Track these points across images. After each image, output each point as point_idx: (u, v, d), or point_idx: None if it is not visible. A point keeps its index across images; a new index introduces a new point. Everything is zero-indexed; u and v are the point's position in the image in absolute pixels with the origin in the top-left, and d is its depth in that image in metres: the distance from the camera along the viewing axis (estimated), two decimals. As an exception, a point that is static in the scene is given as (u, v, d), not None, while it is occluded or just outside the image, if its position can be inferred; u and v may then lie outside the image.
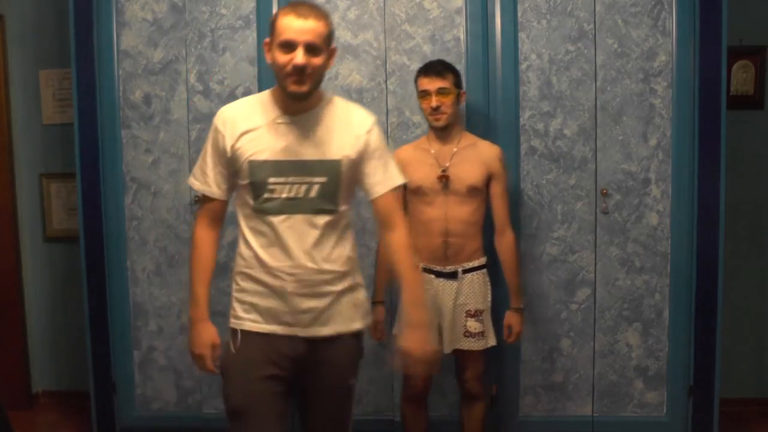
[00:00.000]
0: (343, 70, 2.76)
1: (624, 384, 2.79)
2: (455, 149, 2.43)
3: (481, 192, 2.42)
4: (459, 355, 2.49)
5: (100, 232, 2.86)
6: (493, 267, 2.53)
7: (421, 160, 2.44)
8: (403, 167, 2.37)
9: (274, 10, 2.75)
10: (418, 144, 2.51)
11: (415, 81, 2.44)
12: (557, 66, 2.70)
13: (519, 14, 2.69)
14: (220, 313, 2.88)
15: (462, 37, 2.71)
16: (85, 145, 2.83)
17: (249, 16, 2.78)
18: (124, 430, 2.96)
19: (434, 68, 2.39)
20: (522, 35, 2.70)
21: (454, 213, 2.40)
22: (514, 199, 2.71)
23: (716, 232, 2.64)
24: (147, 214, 2.88)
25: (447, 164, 2.41)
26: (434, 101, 2.35)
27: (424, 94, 2.38)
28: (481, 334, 2.44)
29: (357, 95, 2.75)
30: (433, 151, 2.44)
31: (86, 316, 2.88)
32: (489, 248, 2.49)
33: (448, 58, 2.71)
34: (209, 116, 2.81)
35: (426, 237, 2.41)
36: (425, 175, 2.41)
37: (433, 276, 2.43)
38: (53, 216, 3.45)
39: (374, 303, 2.52)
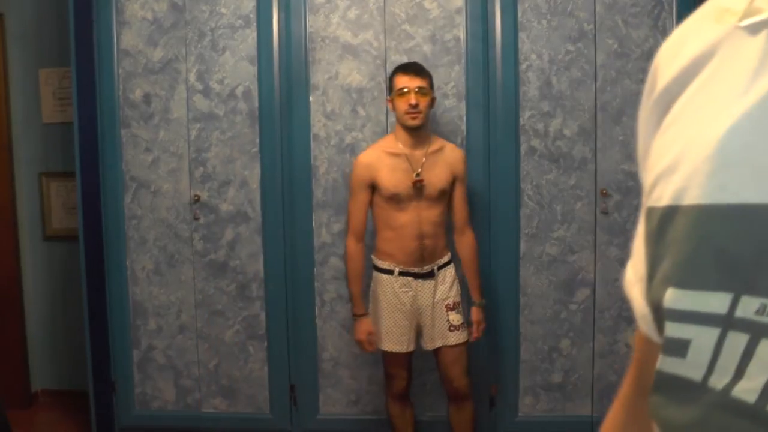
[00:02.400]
0: (342, 69, 2.76)
1: (623, 384, 2.78)
2: (426, 153, 2.42)
3: (447, 194, 2.46)
4: (442, 353, 2.50)
5: (99, 231, 2.86)
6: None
7: (394, 165, 2.40)
8: (374, 173, 2.40)
9: (275, 9, 2.75)
10: (385, 147, 2.43)
11: (390, 80, 2.42)
12: (557, 66, 2.70)
13: (519, 14, 2.69)
14: (219, 313, 2.89)
15: (462, 37, 2.71)
16: (85, 144, 2.83)
17: (249, 16, 2.78)
18: (124, 429, 2.96)
19: (413, 67, 2.40)
20: (522, 35, 2.70)
21: (426, 216, 2.41)
22: (514, 199, 2.71)
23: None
24: (147, 213, 2.88)
25: (420, 169, 2.40)
26: (413, 99, 2.33)
27: (401, 92, 2.35)
28: (463, 326, 2.49)
29: (357, 95, 2.76)
30: (405, 154, 2.41)
31: (85, 315, 2.88)
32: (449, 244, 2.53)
33: (448, 58, 2.71)
34: (209, 115, 2.82)
35: (400, 241, 2.42)
36: (399, 181, 2.39)
37: (411, 278, 2.43)
38: (53, 215, 3.45)
39: (358, 316, 2.50)
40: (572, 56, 2.69)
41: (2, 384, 3.30)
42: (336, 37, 2.75)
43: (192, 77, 2.82)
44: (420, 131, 2.39)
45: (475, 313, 2.53)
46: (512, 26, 2.68)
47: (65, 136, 3.27)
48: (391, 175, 2.39)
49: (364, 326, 2.48)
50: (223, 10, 2.79)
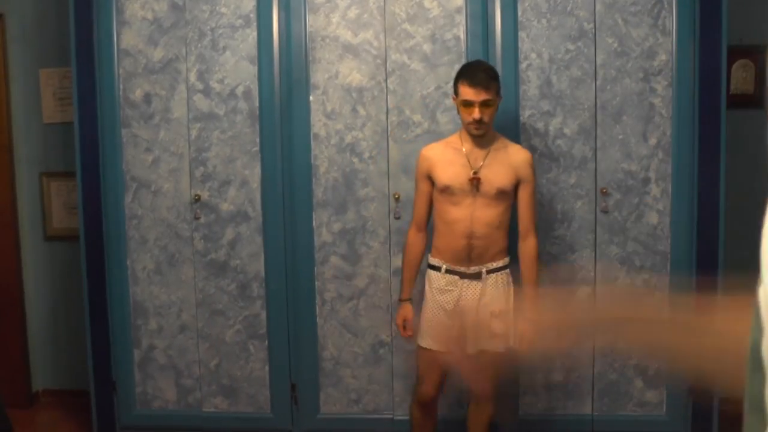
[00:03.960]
0: (343, 69, 2.76)
1: (624, 383, 2.79)
2: (488, 151, 2.39)
3: (509, 196, 2.40)
4: (479, 356, 2.47)
5: (100, 231, 2.86)
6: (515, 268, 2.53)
7: (453, 159, 2.40)
8: (431, 165, 2.40)
9: (275, 9, 2.75)
10: (449, 142, 2.45)
11: (456, 84, 2.37)
12: (557, 65, 2.70)
13: (519, 13, 2.69)
14: (220, 312, 2.89)
15: (462, 36, 2.71)
16: (86, 143, 2.83)
17: (249, 15, 2.78)
18: (124, 429, 2.96)
19: (482, 80, 2.30)
20: (522, 34, 2.70)
21: (480, 215, 2.37)
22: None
23: (716, 231, 2.64)
24: (147, 213, 2.88)
25: (479, 166, 2.38)
26: (477, 113, 2.29)
27: (467, 104, 2.31)
28: (505, 336, 2.43)
29: (357, 94, 2.76)
30: (465, 151, 2.40)
31: (86, 315, 2.89)
32: (513, 249, 2.49)
33: (448, 58, 2.71)
34: (209, 115, 2.82)
35: (449, 237, 2.40)
36: (455, 174, 2.38)
37: (457, 277, 2.41)
38: (53, 215, 3.45)
39: (402, 301, 2.52)
40: (572, 55, 2.69)
41: (3, 384, 3.30)
42: (336, 36, 2.75)
43: (192, 77, 2.82)
44: (484, 135, 2.38)
45: (521, 325, 2.46)
46: (512, 25, 2.68)
47: (66, 136, 3.27)
48: (448, 168, 2.39)
49: (402, 311, 2.50)
50: (224, 10, 2.79)
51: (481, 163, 2.38)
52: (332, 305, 2.84)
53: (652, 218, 2.71)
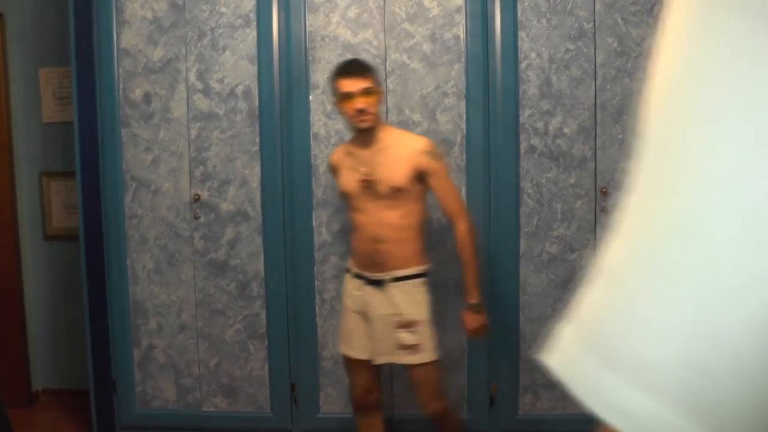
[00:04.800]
0: (343, 68, 2.76)
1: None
2: (380, 150, 2.27)
3: (409, 193, 2.25)
4: (408, 373, 2.34)
5: (100, 231, 2.87)
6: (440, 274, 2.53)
7: (349, 165, 2.32)
8: (335, 172, 2.38)
9: (274, 8, 2.75)
10: (348, 146, 2.37)
11: (333, 83, 2.28)
12: (557, 65, 2.70)
13: (519, 13, 2.69)
14: (219, 312, 2.89)
15: (462, 35, 2.71)
16: (85, 143, 2.83)
17: (249, 15, 2.78)
18: (124, 428, 2.96)
19: (355, 68, 2.24)
20: (522, 34, 2.70)
21: (382, 218, 2.26)
22: (514, 197, 2.71)
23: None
24: (147, 213, 2.88)
25: (370, 168, 2.26)
26: (359, 103, 2.19)
27: (346, 97, 2.22)
28: (416, 347, 2.25)
29: (357, 94, 2.76)
30: (357, 155, 2.31)
31: (86, 315, 2.89)
32: (432, 254, 2.40)
33: (448, 57, 2.71)
34: (209, 115, 2.82)
35: (357, 242, 2.34)
36: (350, 180, 2.30)
37: (363, 282, 2.33)
38: (53, 214, 3.45)
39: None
40: (572, 55, 2.69)
41: (3, 383, 3.31)
42: (336, 36, 2.76)
43: (192, 76, 2.82)
44: (371, 131, 2.26)
45: (465, 317, 2.29)
46: (512, 25, 2.68)
47: (65, 135, 3.27)
48: (345, 174, 2.33)
49: None
50: (223, 10, 2.79)
51: (373, 164, 2.26)
52: (332, 305, 2.84)
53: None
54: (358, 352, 2.39)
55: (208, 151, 2.84)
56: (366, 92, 2.21)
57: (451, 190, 2.29)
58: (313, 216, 2.81)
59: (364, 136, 2.28)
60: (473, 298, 2.28)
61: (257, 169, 2.82)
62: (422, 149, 2.24)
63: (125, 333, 2.92)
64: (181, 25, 2.81)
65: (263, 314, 2.87)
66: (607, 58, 2.68)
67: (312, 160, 2.79)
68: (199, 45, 2.81)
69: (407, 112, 2.75)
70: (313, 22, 2.76)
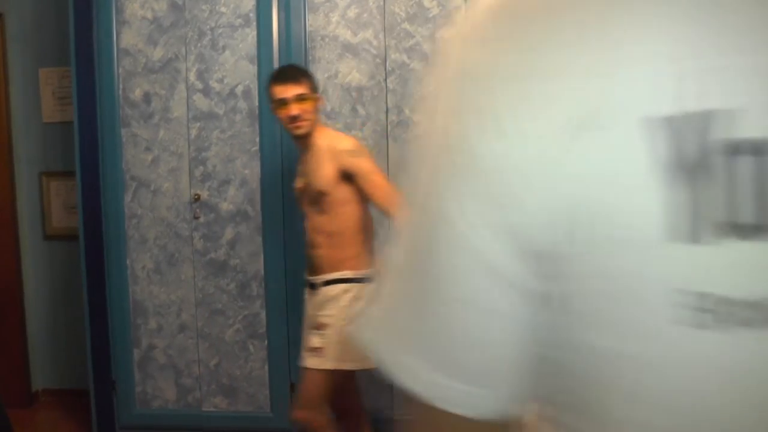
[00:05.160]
0: (342, 68, 2.76)
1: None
2: (312, 155, 2.22)
3: (337, 196, 2.19)
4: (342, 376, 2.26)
5: (99, 231, 2.87)
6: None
7: (297, 171, 2.34)
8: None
9: (274, 8, 2.75)
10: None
11: (268, 92, 2.24)
12: (557, 64, 2.70)
13: (519, 13, 2.69)
14: (219, 312, 2.89)
15: (462, 35, 2.71)
16: (85, 143, 2.83)
17: (249, 15, 2.78)
18: (124, 428, 2.96)
19: (289, 74, 2.20)
20: (522, 34, 2.69)
21: (315, 223, 2.25)
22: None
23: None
24: (147, 213, 2.89)
25: (306, 173, 2.25)
26: (293, 109, 2.15)
27: (280, 104, 2.18)
28: (319, 351, 2.19)
29: (357, 93, 2.76)
30: (301, 161, 2.30)
31: (86, 314, 2.89)
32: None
33: (448, 57, 2.71)
34: (209, 115, 2.82)
35: (305, 248, 2.36)
36: (295, 186, 2.33)
37: (308, 287, 2.35)
38: (53, 214, 3.45)
39: None
40: (572, 55, 2.69)
41: (3, 383, 3.31)
42: (336, 35, 2.76)
43: (192, 76, 2.82)
44: (307, 137, 2.22)
45: None
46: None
47: (65, 135, 3.27)
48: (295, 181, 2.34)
49: None
50: (223, 9, 2.79)
51: (308, 168, 2.23)
52: (332, 305, 2.84)
53: None
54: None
55: (207, 151, 2.84)
56: (300, 99, 2.16)
57: (380, 185, 2.17)
58: (313, 216, 2.81)
59: (302, 142, 2.24)
60: None
61: (257, 169, 2.82)
62: (343, 149, 2.18)
63: (125, 333, 2.92)
64: (180, 25, 2.81)
65: (263, 314, 2.87)
66: (606, 58, 2.68)
67: (312, 160, 2.79)
68: (198, 45, 2.81)
69: (407, 112, 2.75)
70: (313, 21, 2.76)
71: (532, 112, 0.38)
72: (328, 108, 2.77)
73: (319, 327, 2.22)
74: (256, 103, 2.79)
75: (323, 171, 2.17)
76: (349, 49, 2.75)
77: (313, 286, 2.29)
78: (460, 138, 0.40)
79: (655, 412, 0.39)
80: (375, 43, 2.75)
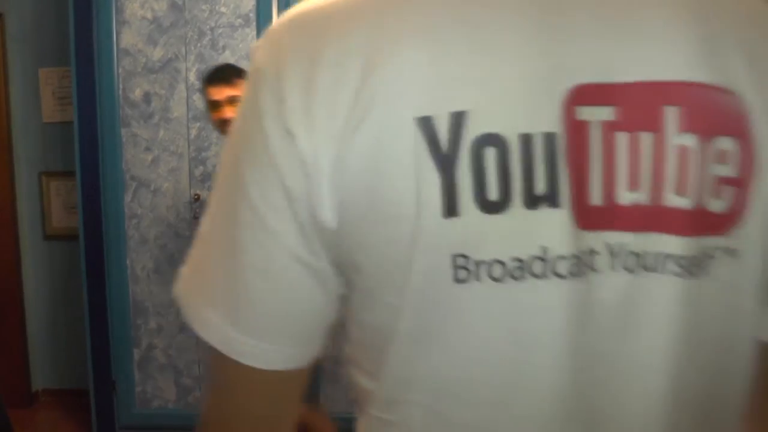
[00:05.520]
0: (342, 68, 2.76)
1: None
2: None
3: None
4: None
5: (99, 231, 2.87)
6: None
7: None
8: None
9: (274, 8, 2.76)
10: None
11: (202, 90, 2.23)
12: (557, 64, 2.70)
13: (518, 13, 2.69)
14: (219, 312, 2.90)
15: (462, 35, 2.71)
16: (85, 143, 2.83)
17: (249, 15, 2.78)
18: (124, 428, 2.96)
19: (223, 75, 2.16)
20: (521, 34, 2.70)
21: None
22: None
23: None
24: (147, 213, 2.89)
25: None
26: (226, 112, 2.12)
27: (213, 105, 2.16)
28: None
29: (357, 93, 2.76)
30: None
31: (86, 315, 2.89)
32: None
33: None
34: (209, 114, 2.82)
35: None
36: None
37: None
38: (53, 214, 3.45)
39: None
40: (572, 54, 2.69)
41: (3, 383, 3.31)
42: (335, 35, 2.76)
43: (192, 76, 2.82)
44: None
45: None
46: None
47: (65, 135, 3.27)
48: None
49: None
50: (223, 9, 2.79)
51: None
52: (332, 304, 2.85)
53: None
54: None
55: (207, 151, 2.84)
56: (232, 101, 2.12)
57: None
58: (313, 216, 2.81)
59: None
60: None
61: (257, 169, 2.82)
62: None
63: (125, 333, 2.92)
64: (180, 25, 2.81)
65: (263, 314, 2.87)
66: (606, 58, 2.68)
67: (312, 160, 2.79)
68: (198, 45, 2.81)
69: (407, 111, 2.75)
70: (313, 21, 2.76)
71: (317, 115, 0.45)
72: (328, 108, 2.77)
73: None
74: (256, 103, 2.79)
75: None
76: (349, 49, 2.75)
77: None
78: (259, 134, 0.46)
79: (436, 358, 0.48)
80: (375, 43, 2.75)
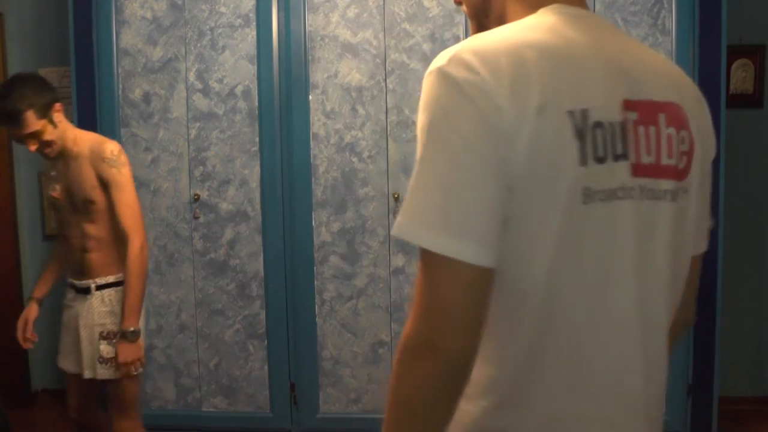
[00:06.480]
0: (342, 68, 2.76)
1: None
2: (69, 163, 2.16)
3: (103, 203, 2.15)
4: (87, 383, 2.26)
5: (99, 231, 2.86)
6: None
7: (51, 178, 2.24)
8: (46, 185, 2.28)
9: (274, 8, 2.75)
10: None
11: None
12: (557, 64, 2.69)
13: (518, 13, 2.68)
14: (219, 312, 2.89)
15: (462, 35, 2.71)
16: (85, 143, 2.83)
17: (248, 15, 2.78)
18: (124, 429, 2.96)
19: (5, 119, 2.04)
20: (521, 34, 2.69)
21: (85, 230, 2.17)
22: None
23: (715, 230, 2.64)
24: (146, 213, 2.88)
25: (66, 181, 2.16)
26: (31, 146, 2.08)
27: (20, 142, 2.10)
28: (115, 361, 2.17)
29: (356, 93, 2.76)
30: (56, 168, 2.21)
31: (86, 315, 2.88)
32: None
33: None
34: (208, 114, 2.82)
35: (68, 252, 2.26)
36: (50, 194, 2.24)
37: (74, 291, 2.28)
38: (53, 214, 3.45)
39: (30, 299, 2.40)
40: (572, 55, 2.69)
41: (2, 383, 3.31)
42: (335, 35, 2.75)
43: (191, 76, 2.82)
44: (61, 147, 2.15)
45: (120, 349, 2.12)
46: (512, 25, 2.68)
47: (65, 135, 3.27)
48: (50, 188, 2.24)
49: (24, 312, 2.47)
50: (223, 9, 2.79)
51: (68, 176, 2.17)
52: (331, 305, 2.84)
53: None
54: (70, 365, 2.32)
55: (207, 151, 2.84)
56: (29, 136, 2.07)
57: (128, 203, 2.13)
58: (313, 216, 2.81)
59: (53, 155, 2.17)
60: (131, 325, 2.13)
61: (257, 169, 2.82)
62: (103, 156, 2.11)
63: (125, 333, 2.92)
64: (180, 25, 2.81)
65: (263, 314, 2.87)
66: (606, 58, 2.67)
67: (311, 160, 2.79)
68: (198, 45, 2.81)
69: (407, 112, 2.74)
70: (313, 21, 2.76)
71: (525, 104, 0.73)
72: (328, 108, 2.77)
73: (108, 336, 2.20)
74: (256, 103, 2.79)
75: (85, 178, 2.12)
76: (348, 49, 2.75)
77: (85, 290, 2.21)
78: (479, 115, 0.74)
79: (571, 257, 0.77)
80: (375, 43, 2.75)
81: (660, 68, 0.86)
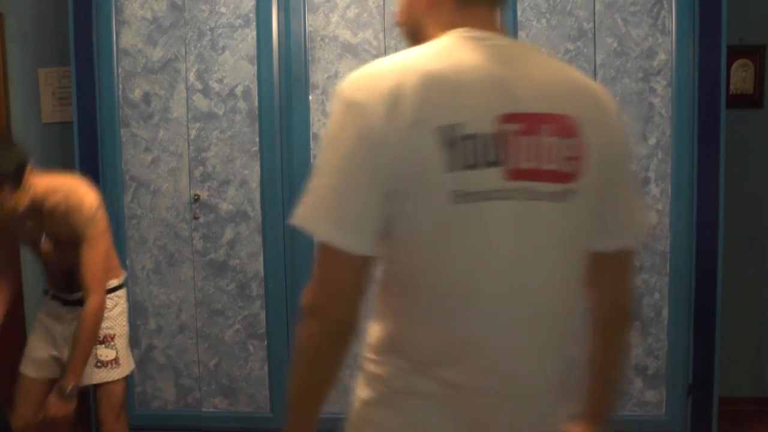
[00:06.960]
0: (342, 68, 2.76)
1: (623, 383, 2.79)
2: (43, 215, 2.06)
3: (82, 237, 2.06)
4: (95, 389, 2.28)
5: (99, 231, 2.86)
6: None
7: (11, 226, 2.15)
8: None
9: (274, 8, 2.75)
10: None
11: None
12: (557, 65, 2.70)
13: (518, 13, 2.69)
14: (219, 312, 2.89)
15: (461, 35, 2.71)
16: (85, 143, 2.83)
17: (248, 15, 2.78)
18: (124, 429, 2.96)
19: None
20: (521, 34, 2.70)
21: (70, 259, 2.08)
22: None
23: (715, 230, 2.65)
24: (146, 213, 2.88)
25: (49, 233, 2.10)
26: None
27: None
28: (115, 362, 2.21)
29: (356, 94, 2.76)
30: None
31: (86, 315, 2.88)
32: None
33: (448, 57, 2.72)
34: (208, 115, 2.82)
35: (51, 274, 2.23)
36: (24, 239, 2.21)
37: (60, 303, 2.23)
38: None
39: None
40: (572, 55, 2.69)
41: (2, 384, 3.30)
42: (335, 36, 2.75)
43: (191, 76, 2.82)
44: (29, 203, 2.02)
45: (51, 401, 2.06)
46: (512, 25, 2.68)
47: (65, 135, 3.27)
48: (14, 229, 2.18)
49: None
50: (223, 10, 2.79)
51: (45, 225, 2.09)
52: (332, 305, 2.84)
53: (652, 218, 2.71)
54: (37, 372, 2.32)
55: (207, 151, 2.84)
56: None
57: (95, 261, 2.06)
58: (313, 216, 2.81)
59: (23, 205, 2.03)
60: (72, 381, 2.04)
61: (257, 169, 2.82)
62: (81, 212, 2.02)
63: (125, 333, 2.92)
64: (180, 25, 2.81)
65: (263, 314, 2.87)
66: (606, 58, 2.68)
67: (312, 161, 2.79)
68: (198, 45, 2.81)
69: (407, 112, 2.74)
70: (313, 22, 2.76)
71: (399, 121, 0.86)
72: (328, 108, 2.77)
73: (105, 340, 2.21)
74: (256, 104, 2.79)
75: (68, 227, 2.04)
76: (348, 49, 2.75)
77: (78, 302, 2.14)
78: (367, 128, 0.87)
79: (447, 254, 0.89)
80: (375, 43, 2.75)
81: (558, 84, 0.95)
